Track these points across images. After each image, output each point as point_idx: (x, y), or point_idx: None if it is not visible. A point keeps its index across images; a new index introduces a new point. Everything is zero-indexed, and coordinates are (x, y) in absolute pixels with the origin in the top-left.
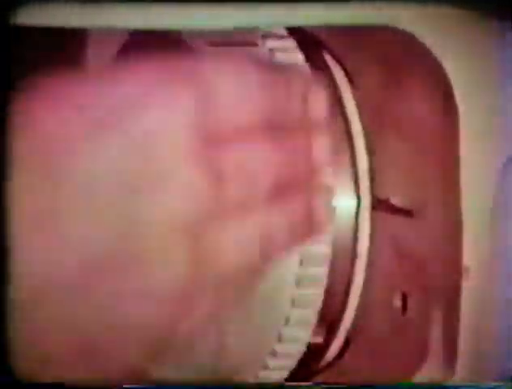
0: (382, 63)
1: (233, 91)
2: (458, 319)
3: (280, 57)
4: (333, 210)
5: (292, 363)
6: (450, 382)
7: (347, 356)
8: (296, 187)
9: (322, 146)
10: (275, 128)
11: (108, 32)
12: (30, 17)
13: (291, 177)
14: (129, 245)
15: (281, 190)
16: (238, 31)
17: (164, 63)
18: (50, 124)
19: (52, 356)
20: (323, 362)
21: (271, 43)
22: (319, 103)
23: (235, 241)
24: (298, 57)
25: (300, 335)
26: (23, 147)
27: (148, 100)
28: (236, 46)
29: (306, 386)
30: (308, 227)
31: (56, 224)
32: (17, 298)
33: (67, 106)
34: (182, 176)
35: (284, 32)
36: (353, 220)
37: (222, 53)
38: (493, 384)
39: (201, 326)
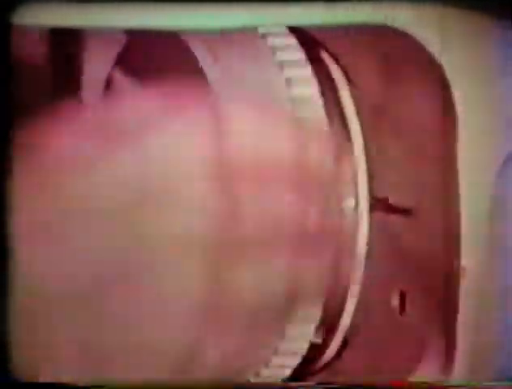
0: (381, 63)
1: (249, 126)
2: (456, 319)
3: (281, 55)
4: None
5: (294, 361)
6: (448, 382)
7: (345, 355)
8: (323, 237)
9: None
10: (302, 177)
11: (108, 33)
12: (30, 17)
13: (316, 227)
14: (141, 257)
15: (307, 239)
16: (238, 31)
17: (179, 88)
18: (63, 145)
19: (57, 359)
20: (321, 362)
21: (272, 41)
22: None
23: (259, 282)
24: (299, 56)
25: (303, 332)
26: (35, 165)
27: (163, 119)
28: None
29: (304, 386)
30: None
31: (67, 235)
32: (21, 310)
33: (83, 127)
34: (195, 192)
35: (285, 30)
36: (351, 218)
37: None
38: (493, 384)
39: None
